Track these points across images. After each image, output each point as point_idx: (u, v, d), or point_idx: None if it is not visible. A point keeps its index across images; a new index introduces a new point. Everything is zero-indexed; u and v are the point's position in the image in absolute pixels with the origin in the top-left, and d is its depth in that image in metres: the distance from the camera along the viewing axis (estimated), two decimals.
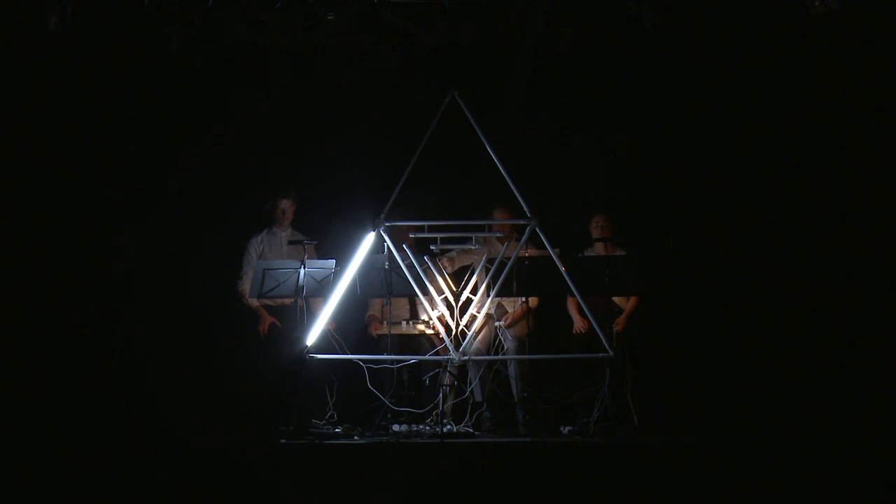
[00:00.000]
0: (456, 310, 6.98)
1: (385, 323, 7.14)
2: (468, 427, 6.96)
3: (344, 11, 7.48)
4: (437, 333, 7.19)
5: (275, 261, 7.23)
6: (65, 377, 7.22)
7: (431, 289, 6.95)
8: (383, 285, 6.99)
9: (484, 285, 7.04)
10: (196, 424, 6.69)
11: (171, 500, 5.69)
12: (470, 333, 6.96)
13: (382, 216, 6.88)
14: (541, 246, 6.94)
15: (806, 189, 7.70)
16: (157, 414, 6.89)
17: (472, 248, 7.09)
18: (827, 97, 7.61)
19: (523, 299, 7.22)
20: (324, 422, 6.97)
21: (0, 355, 7.14)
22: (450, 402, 7.16)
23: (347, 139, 8.09)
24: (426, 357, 7.14)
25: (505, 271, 6.81)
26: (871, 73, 7.48)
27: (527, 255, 7.02)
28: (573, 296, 7.09)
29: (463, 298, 7.05)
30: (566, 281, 6.76)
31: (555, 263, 6.79)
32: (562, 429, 6.87)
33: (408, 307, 7.46)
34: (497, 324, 7.31)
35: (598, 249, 7.41)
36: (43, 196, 7.56)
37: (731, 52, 7.73)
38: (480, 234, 7.08)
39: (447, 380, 6.98)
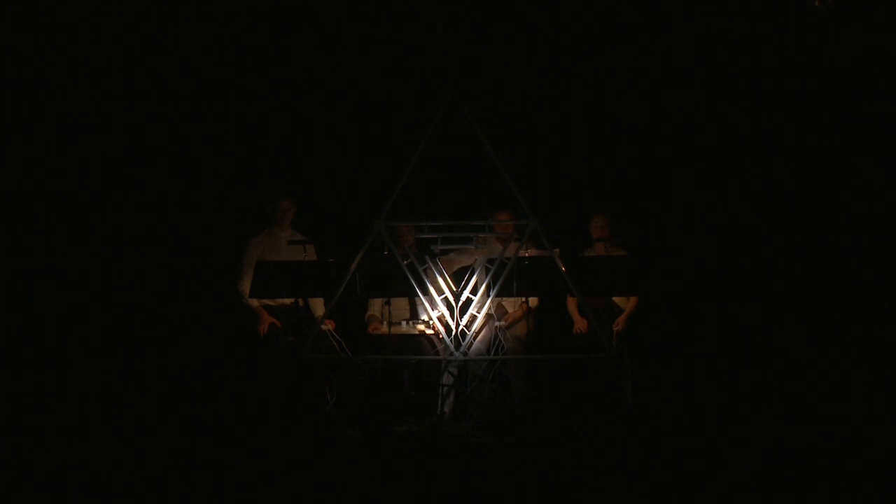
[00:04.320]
0: (456, 310, 6.98)
1: (385, 323, 7.15)
2: (468, 427, 6.96)
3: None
4: (437, 333, 7.19)
5: (275, 261, 7.23)
6: (64, 377, 7.22)
7: (431, 289, 6.95)
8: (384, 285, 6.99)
9: (484, 285, 7.04)
10: (195, 424, 6.71)
11: (171, 499, 5.69)
12: (470, 333, 6.97)
13: (382, 216, 6.88)
14: (541, 246, 6.94)
15: (806, 188, 7.71)
16: (157, 414, 6.90)
17: (472, 248, 7.08)
18: (827, 97, 7.61)
19: (523, 299, 7.22)
20: (324, 421, 6.97)
21: (0, 355, 7.16)
22: (450, 402, 7.17)
23: (347, 139, 8.11)
24: (426, 357, 7.14)
25: (505, 271, 6.81)
26: (871, 72, 7.49)
27: (527, 255, 7.03)
28: (573, 296, 7.09)
29: (463, 298, 7.05)
30: (566, 281, 6.76)
31: (555, 263, 6.79)
32: (562, 429, 6.87)
33: (408, 307, 7.46)
34: (497, 324, 7.31)
35: (598, 249, 7.42)
36: (43, 196, 7.57)
37: (731, 51, 7.74)
38: (480, 234, 7.08)
39: (447, 380, 6.99)
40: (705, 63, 7.83)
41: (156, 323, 7.60)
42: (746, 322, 7.62)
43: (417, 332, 7.35)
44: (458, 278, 7.17)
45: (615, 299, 7.38)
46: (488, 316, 7.26)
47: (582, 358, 7.02)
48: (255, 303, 7.27)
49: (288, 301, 7.18)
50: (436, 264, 7.06)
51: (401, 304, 7.42)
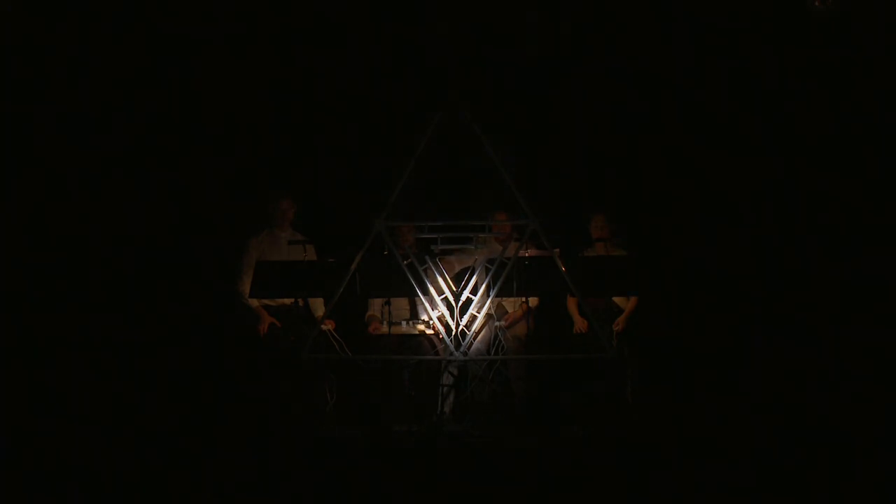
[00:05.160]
0: (456, 310, 6.98)
1: (385, 323, 7.15)
2: (468, 427, 6.96)
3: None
4: (437, 333, 7.19)
5: (275, 261, 7.22)
6: (63, 377, 7.22)
7: (431, 289, 6.95)
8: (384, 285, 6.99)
9: (484, 285, 7.04)
10: (196, 425, 6.70)
11: (171, 499, 5.69)
12: (470, 333, 6.96)
13: (383, 216, 6.87)
14: (541, 246, 6.94)
15: (805, 188, 7.71)
16: (157, 414, 6.90)
17: (472, 248, 7.08)
18: (827, 97, 7.62)
19: (523, 299, 7.22)
20: (324, 422, 6.97)
21: (1, 355, 7.16)
22: (450, 402, 7.17)
23: (347, 139, 8.11)
24: (426, 357, 7.14)
25: (505, 271, 6.81)
26: (870, 73, 7.49)
27: (527, 255, 7.02)
28: (573, 296, 7.08)
29: (463, 298, 7.05)
30: (566, 281, 6.75)
31: (555, 263, 6.79)
32: (562, 429, 6.88)
33: (408, 307, 7.46)
34: (497, 324, 7.31)
35: (598, 249, 7.41)
36: (43, 195, 7.57)
37: (731, 51, 7.74)
38: (480, 235, 7.08)
39: (447, 380, 6.98)
40: (705, 62, 7.84)
41: (156, 323, 7.59)
42: (747, 322, 7.62)
43: (417, 332, 7.34)
44: (459, 279, 7.17)
45: (615, 299, 7.38)
46: (488, 316, 7.26)
47: (582, 358, 7.02)
48: (255, 303, 7.26)
49: (288, 301, 7.18)
50: (436, 264, 7.06)
51: (401, 304, 7.42)
